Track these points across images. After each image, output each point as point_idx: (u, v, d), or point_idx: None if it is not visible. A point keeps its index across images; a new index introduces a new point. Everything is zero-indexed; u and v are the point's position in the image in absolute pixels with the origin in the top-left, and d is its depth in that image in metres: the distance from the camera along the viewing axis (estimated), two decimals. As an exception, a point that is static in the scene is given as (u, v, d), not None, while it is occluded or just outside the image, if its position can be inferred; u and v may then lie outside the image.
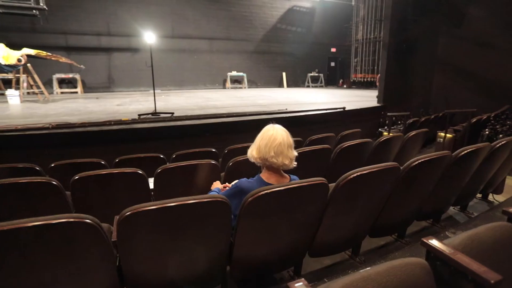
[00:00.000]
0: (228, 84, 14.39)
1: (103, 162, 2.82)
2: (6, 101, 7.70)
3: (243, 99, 9.17)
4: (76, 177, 1.99)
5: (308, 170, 2.68)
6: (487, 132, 4.23)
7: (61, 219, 1.08)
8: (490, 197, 3.12)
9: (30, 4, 7.89)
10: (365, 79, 15.10)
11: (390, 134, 4.11)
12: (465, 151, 1.98)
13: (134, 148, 4.08)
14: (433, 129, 5.28)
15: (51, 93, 10.61)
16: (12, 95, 7.68)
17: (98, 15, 11.44)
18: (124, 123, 4.49)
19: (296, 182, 1.41)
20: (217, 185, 1.91)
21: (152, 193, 2.20)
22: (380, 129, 5.77)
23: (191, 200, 1.20)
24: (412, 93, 7.49)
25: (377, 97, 7.53)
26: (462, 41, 7.01)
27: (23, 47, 8.00)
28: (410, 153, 3.35)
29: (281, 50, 15.40)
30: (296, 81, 16.21)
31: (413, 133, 3.23)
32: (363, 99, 9.33)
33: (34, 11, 7.90)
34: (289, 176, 1.57)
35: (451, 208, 2.89)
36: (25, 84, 8.83)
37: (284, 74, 15.83)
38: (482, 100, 6.51)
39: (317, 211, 1.54)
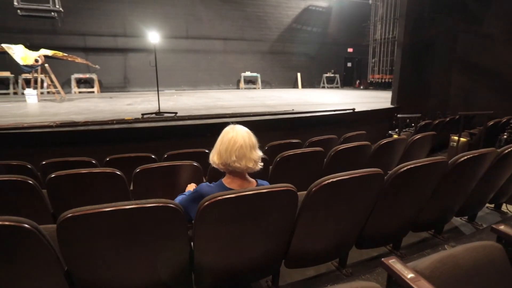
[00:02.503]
0: (242, 84, 14.35)
1: (93, 161, 2.81)
2: (25, 100, 8.01)
3: (253, 100, 9.08)
4: (52, 175, 1.96)
5: (300, 174, 2.56)
6: (505, 137, 3.90)
7: (-5, 221, 1.02)
8: (504, 207, 2.85)
9: (49, 6, 8.15)
10: (383, 80, 14.62)
11: (399, 136, 3.88)
12: (465, 157, 1.78)
13: (135, 147, 4.09)
14: (447, 132, 4.98)
15: (69, 92, 10.97)
16: (30, 94, 7.97)
17: (115, 16, 11.72)
18: (126, 122, 4.50)
19: (258, 188, 1.29)
20: (190, 187, 1.82)
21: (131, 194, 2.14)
22: (390, 131, 5.50)
23: (133, 205, 1.11)
24: (428, 94, 7.13)
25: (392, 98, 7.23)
26: (484, 39, 6.58)
27: (42, 48, 8.31)
28: (416, 158, 3.11)
29: (296, 51, 15.19)
30: (311, 82, 15.94)
31: (418, 136, 3.02)
32: (378, 100, 9.00)
33: (52, 13, 8.15)
34: (256, 180, 1.45)
35: (458, 218, 2.67)
36: (45, 84, 9.17)
37: (299, 74, 15.61)
38: (505, 102, 6.08)
39: (287, 219, 1.42)
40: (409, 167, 1.56)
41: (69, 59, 8.64)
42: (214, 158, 1.38)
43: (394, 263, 0.86)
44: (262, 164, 1.42)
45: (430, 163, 1.62)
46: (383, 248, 2.24)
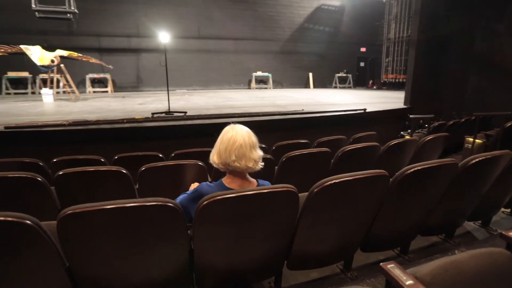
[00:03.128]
0: (253, 84, 14.35)
1: (102, 160, 2.85)
2: (41, 99, 8.25)
3: (263, 100, 9.06)
4: (60, 173, 2.00)
5: (305, 175, 2.52)
6: (523, 138, 3.74)
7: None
8: (521, 212, 2.74)
9: (65, 8, 8.37)
10: (397, 80, 14.32)
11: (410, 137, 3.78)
12: (476, 160, 1.72)
13: (144, 146, 4.14)
14: (463, 133, 4.82)
15: (83, 92, 11.23)
16: (47, 93, 8.20)
17: (129, 17, 11.91)
18: (136, 121, 4.57)
19: (258, 188, 1.27)
20: (193, 186, 1.81)
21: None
22: (402, 132, 5.37)
23: (132, 203, 1.11)
24: (443, 94, 6.92)
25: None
26: (503, 36, 6.34)
27: (58, 49, 8.53)
28: (426, 160, 3.02)
29: (308, 50, 15.06)
30: (323, 82, 15.79)
31: (430, 137, 2.93)
32: (391, 100, 8.82)
33: (67, 14, 8.37)
34: (257, 181, 1.44)
35: (471, 223, 2.58)
36: (61, 84, 9.42)
37: (310, 74, 15.48)
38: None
39: (288, 220, 1.39)
40: (416, 169, 1.51)
41: (83, 59, 8.84)
42: (214, 157, 1.38)
43: (393, 268, 0.83)
44: (262, 164, 1.40)
45: (439, 165, 1.56)
46: (390, 252, 2.19)
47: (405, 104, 6.93)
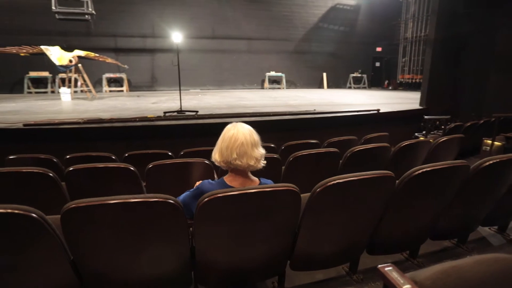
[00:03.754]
0: (267, 84, 14.32)
1: (113, 157, 2.91)
2: (60, 98, 8.52)
3: (275, 100, 9.03)
4: (70, 169, 2.05)
5: (313, 175, 2.49)
6: (545, 141, 3.57)
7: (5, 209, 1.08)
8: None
9: (83, 10, 8.62)
10: (414, 80, 13.97)
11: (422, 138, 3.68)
12: (490, 162, 1.64)
13: (155, 144, 4.19)
14: (482, 135, 4.65)
15: (100, 91, 11.51)
16: (65, 92, 8.46)
17: (144, 18, 12.13)
18: (148, 120, 4.64)
19: (259, 186, 1.26)
20: (198, 184, 1.82)
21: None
22: (416, 133, 5.23)
23: (131, 199, 1.13)
24: (461, 95, 6.69)
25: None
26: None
27: (76, 49, 8.79)
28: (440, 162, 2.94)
29: (322, 50, 14.90)
30: (337, 82, 15.59)
31: (443, 138, 2.84)
32: (407, 101, 8.61)
33: (86, 16, 8.61)
34: (259, 179, 1.43)
35: (486, 228, 2.48)
36: (79, 83, 9.70)
37: (324, 74, 15.31)
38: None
39: (290, 220, 1.38)
40: (423, 170, 1.46)
41: (100, 59, 9.07)
42: (215, 156, 1.38)
43: (390, 271, 0.80)
44: (265, 162, 1.39)
45: (448, 167, 1.51)
46: (399, 255, 2.13)
47: (420, 104, 6.74)
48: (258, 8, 13.66)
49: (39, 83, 11.40)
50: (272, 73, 14.35)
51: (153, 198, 1.16)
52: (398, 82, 14.94)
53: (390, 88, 15.34)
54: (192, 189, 1.68)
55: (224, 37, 13.36)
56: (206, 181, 1.42)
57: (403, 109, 6.35)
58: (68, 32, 10.85)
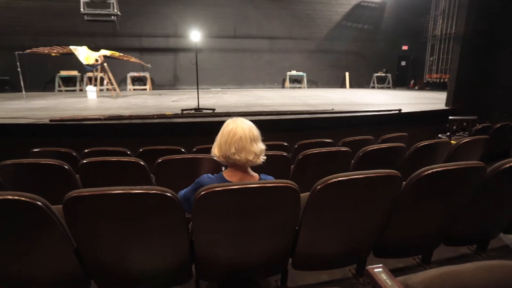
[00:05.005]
0: (287, 83, 14.23)
1: (128, 152, 2.99)
2: (86, 96, 8.92)
3: (295, 99, 8.95)
4: (84, 161, 2.13)
5: (322, 174, 2.43)
6: None
7: (8, 195, 1.13)
8: None
9: (110, 11, 8.97)
10: (442, 80, 13.34)
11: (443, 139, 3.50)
12: (509, 164, 1.53)
13: (172, 141, 4.27)
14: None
15: (124, 90, 11.93)
16: (91, 90, 8.85)
17: (168, 18, 12.42)
18: (166, 117, 4.74)
19: (256, 182, 1.25)
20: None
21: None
22: (440, 134, 4.98)
23: (132, 190, 1.15)
24: (492, 95, 6.30)
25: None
26: None
27: (102, 49, 9.17)
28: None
29: (345, 49, 14.57)
30: (360, 82, 15.19)
31: (466, 139, 2.68)
32: (432, 101, 8.23)
33: (112, 17, 8.95)
34: (259, 175, 1.41)
35: (511, 236, 2.31)
36: (104, 82, 10.12)
37: (347, 74, 14.98)
38: None
39: (289, 217, 1.35)
40: (433, 170, 1.38)
41: (124, 58, 9.40)
42: (215, 150, 1.38)
43: (379, 273, 0.76)
44: (265, 157, 1.38)
45: (461, 168, 1.42)
46: (410, 260, 2.04)
47: (446, 105, 6.42)
48: (280, 7, 13.59)
49: (69, 81, 11.99)
50: (293, 73, 14.23)
51: (150, 190, 1.18)
52: (425, 81, 14.33)
53: (416, 88, 14.75)
54: (192, 184, 1.69)
55: (245, 36, 13.41)
56: (205, 175, 1.42)
57: (426, 110, 6.08)
58: (95, 33, 11.32)
